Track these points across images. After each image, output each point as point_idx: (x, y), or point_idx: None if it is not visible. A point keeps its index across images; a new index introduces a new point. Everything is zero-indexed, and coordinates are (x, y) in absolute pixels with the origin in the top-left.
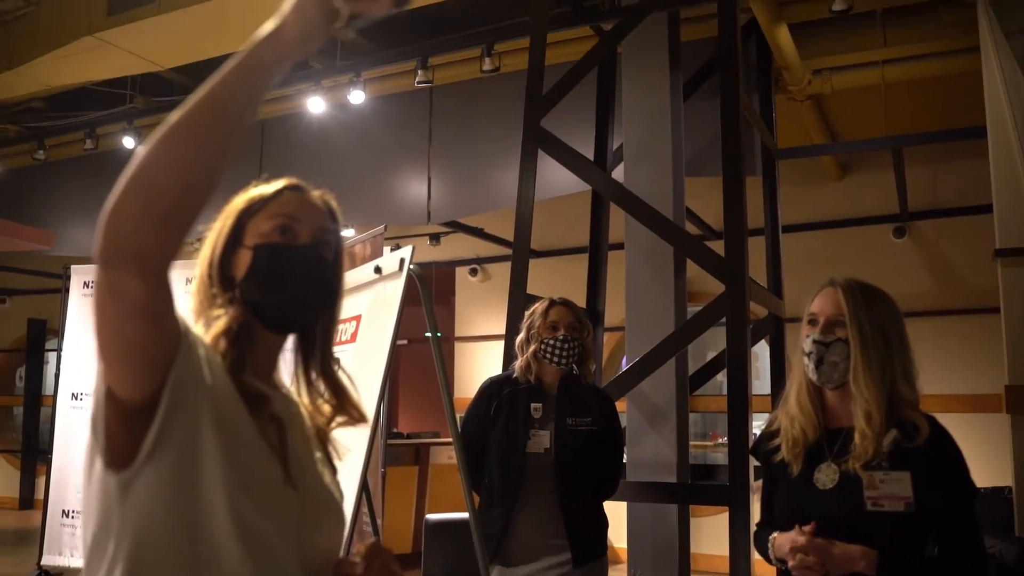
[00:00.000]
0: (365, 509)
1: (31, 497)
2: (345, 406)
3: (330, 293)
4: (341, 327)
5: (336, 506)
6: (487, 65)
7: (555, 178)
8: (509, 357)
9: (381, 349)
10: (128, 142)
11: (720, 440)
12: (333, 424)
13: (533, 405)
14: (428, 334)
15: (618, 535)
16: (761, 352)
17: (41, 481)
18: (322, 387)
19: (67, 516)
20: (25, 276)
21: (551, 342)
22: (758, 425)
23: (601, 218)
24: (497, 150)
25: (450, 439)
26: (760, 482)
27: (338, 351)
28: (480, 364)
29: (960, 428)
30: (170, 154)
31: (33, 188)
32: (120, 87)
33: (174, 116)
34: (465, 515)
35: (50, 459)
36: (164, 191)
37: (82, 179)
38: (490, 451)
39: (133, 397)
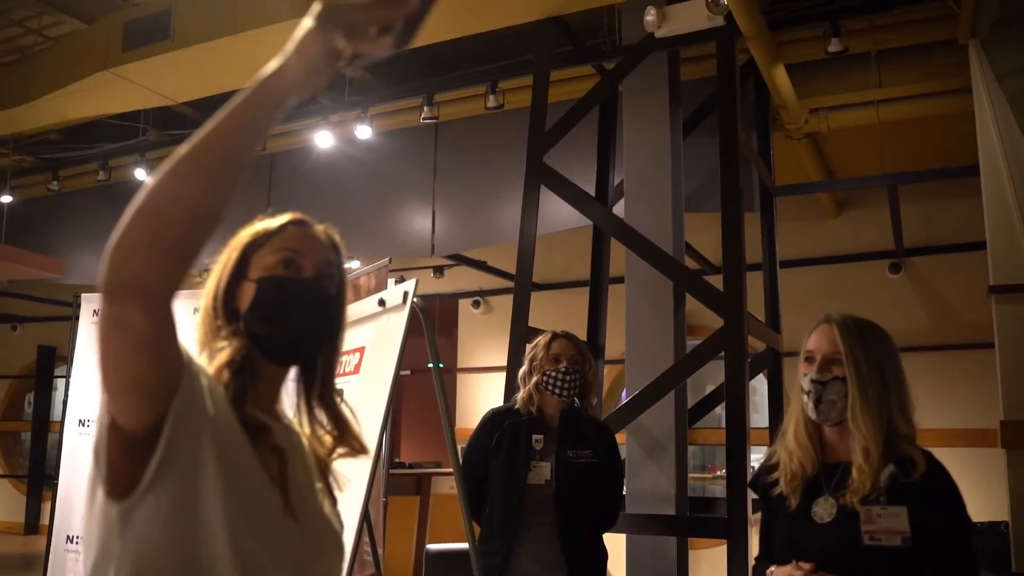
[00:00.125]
0: (366, 539)
1: (36, 522)
2: (346, 437)
3: (332, 326)
4: (345, 358)
5: (336, 536)
6: (491, 102)
7: (557, 213)
8: (511, 389)
9: (384, 381)
10: (140, 174)
11: (719, 472)
12: (334, 455)
13: (534, 437)
14: (431, 365)
15: (617, 567)
16: (759, 386)
17: (47, 506)
18: (324, 418)
19: (71, 542)
20: (36, 303)
21: (553, 374)
22: (756, 458)
23: (602, 252)
24: (500, 185)
25: (452, 469)
26: (759, 515)
27: (342, 382)
28: (482, 395)
29: (956, 462)
30: (175, 189)
31: (46, 217)
32: (133, 120)
33: (179, 152)
34: (466, 545)
35: (56, 485)
36: (169, 225)
37: (94, 209)
38: (491, 482)
39: (135, 427)
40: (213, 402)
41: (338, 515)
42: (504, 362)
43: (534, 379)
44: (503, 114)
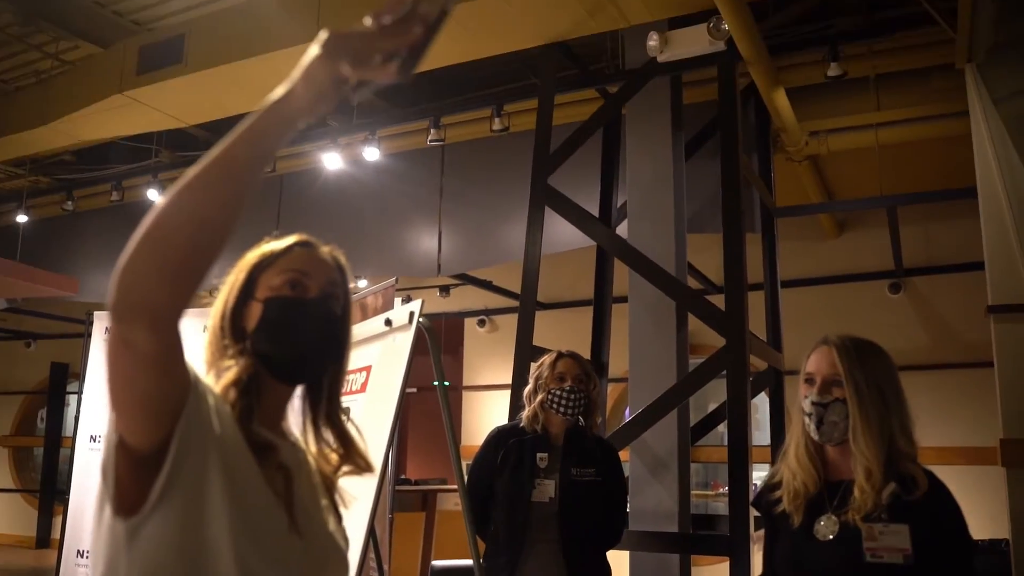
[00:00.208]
0: (372, 555)
1: (48, 536)
2: (352, 455)
3: (338, 345)
4: (352, 377)
5: (341, 553)
6: (497, 125)
7: (561, 233)
8: (516, 407)
9: (390, 399)
10: (153, 194)
11: (721, 490)
12: (340, 472)
13: (539, 455)
14: (436, 383)
15: None
16: (761, 404)
17: (58, 521)
18: (330, 436)
19: (81, 556)
20: (50, 321)
21: (558, 393)
22: (759, 475)
23: (606, 272)
24: (506, 206)
25: (457, 486)
26: (761, 532)
27: (349, 400)
28: (487, 413)
29: (956, 480)
30: (182, 212)
31: (60, 237)
32: (146, 142)
33: (187, 175)
34: (471, 562)
35: (67, 499)
36: (176, 248)
37: (107, 229)
38: (496, 499)
39: (143, 445)
40: (219, 421)
41: (343, 532)
42: (509, 380)
43: (539, 397)
44: (508, 136)
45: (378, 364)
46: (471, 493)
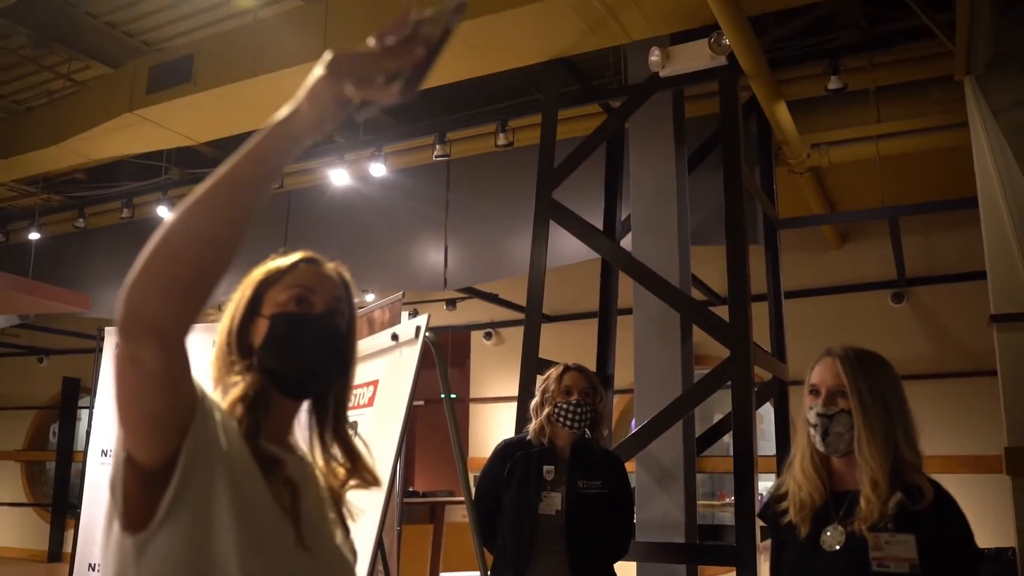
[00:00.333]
0: (380, 568)
1: (60, 550)
2: (359, 470)
3: (344, 360)
4: (359, 391)
5: (348, 567)
6: (501, 140)
7: (566, 246)
8: (522, 419)
9: (397, 413)
10: (163, 211)
11: (728, 500)
12: (347, 486)
13: (545, 467)
14: (444, 396)
15: None
16: (766, 414)
17: (70, 535)
18: (336, 451)
19: (93, 570)
20: (62, 336)
21: (564, 406)
22: (765, 485)
23: (610, 285)
24: (511, 220)
25: (464, 498)
26: (768, 542)
27: (356, 415)
28: (494, 425)
29: (962, 489)
30: (189, 231)
31: (71, 254)
32: (156, 159)
33: (194, 194)
34: (478, 574)
35: (79, 513)
36: (183, 266)
37: (118, 246)
38: (503, 512)
39: (150, 461)
40: (226, 436)
41: (351, 545)
42: (516, 392)
43: (546, 411)
44: (513, 151)
45: (385, 378)
46: (479, 506)
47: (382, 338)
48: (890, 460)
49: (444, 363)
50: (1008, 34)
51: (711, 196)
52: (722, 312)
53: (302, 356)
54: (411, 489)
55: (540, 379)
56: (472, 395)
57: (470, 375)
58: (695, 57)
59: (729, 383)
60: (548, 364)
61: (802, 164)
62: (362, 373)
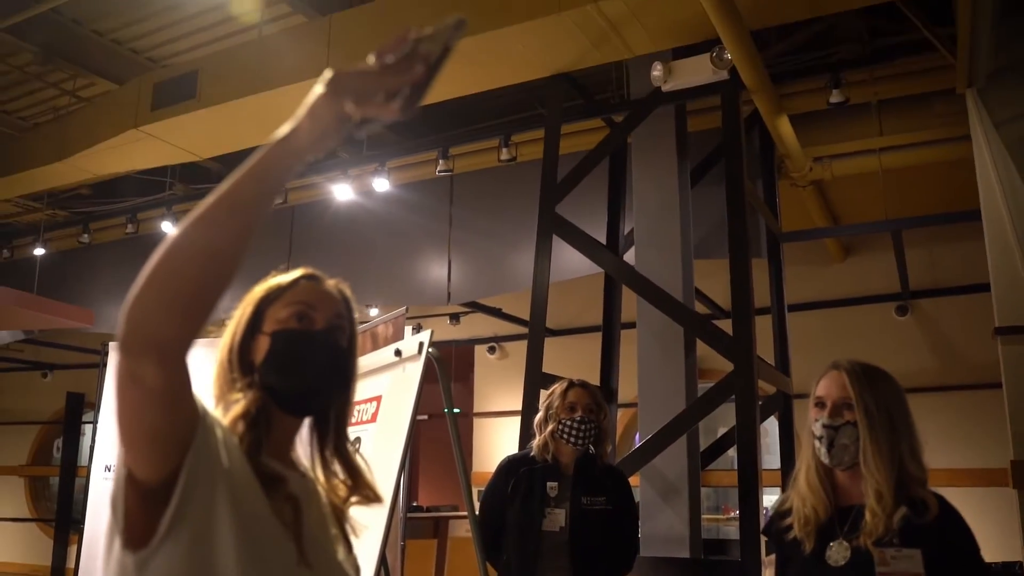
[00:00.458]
0: None
1: (63, 566)
2: (360, 487)
3: (345, 377)
4: (362, 407)
5: None
6: (504, 155)
7: (570, 261)
8: (526, 434)
9: (400, 429)
10: (167, 226)
11: (732, 514)
12: (349, 503)
13: (549, 484)
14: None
15: None
16: (771, 428)
17: (73, 550)
18: (337, 467)
19: None
20: (66, 351)
21: (568, 423)
22: (769, 499)
23: (614, 299)
24: (514, 234)
25: (467, 513)
26: (772, 557)
27: (359, 430)
28: (498, 439)
29: (968, 503)
30: (191, 247)
31: (76, 269)
32: (161, 175)
33: (195, 211)
34: None
35: (82, 529)
36: (184, 282)
37: (122, 261)
38: (507, 528)
39: (151, 479)
40: (228, 453)
41: (354, 561)
42: (520, 406)
43: (550, 427)
44: (516, 166)
45: (388, 394)
46: (483, 522)
47: (385, 354)
48: (895, 473)
49: (447, 379)
50: (1009, 47)
51: (714, 210)
52: (726, 326)
53: (303, 373)
54: (415, 504)
55: (544, 395)
56: (476, 409)
57: (474, 389)
58: (697, 72)
59: (733, 397)
60: (552, 378)
61: (805, 177)
62: (365, 389)
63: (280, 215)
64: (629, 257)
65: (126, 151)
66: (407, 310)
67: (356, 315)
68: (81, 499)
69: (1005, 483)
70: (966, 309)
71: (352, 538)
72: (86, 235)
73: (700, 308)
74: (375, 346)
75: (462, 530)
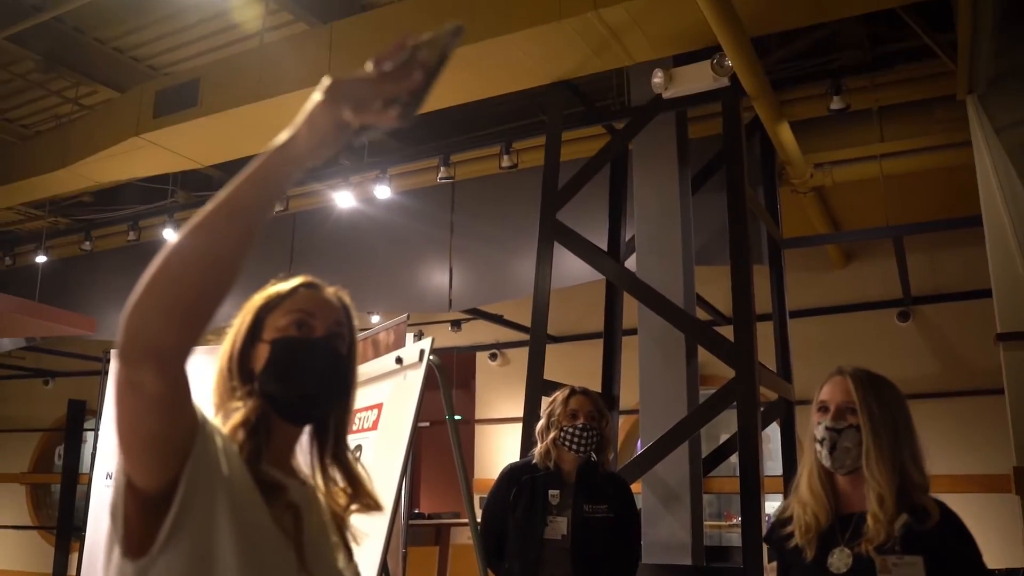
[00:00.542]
0: None
1: (64, 573)
2: (360, 495)
3: (344, 385)
4: (364, 415)
5: None
6: (505, 162)
7: (571, 267)
8: (527, 442)
9: (402, 436)
10: (169, 234)
11: (735, 520)
12: (349, 511)
13: (551, 492)
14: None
15: None
16: (773, 434)
17: (74, 557)
18: (337, 475)
19: None
20: (68, 359)
21: (570, 430)
22: (772, 506)
23: (615, 305)
24: (515, 241)
25: (468, 520)
26: (774, 564)
27: (361, 438)
28: (499, 446)
29: (971, 509)
30: (190, 255)
31: (78, 276)
32: (162, 182)
33: (194, 219)
34: None
35: (83, 536)
36: (183, 289)
37: (124, 268)
38: (509, 536)
39: (151, 487)
40: (227, 461)
41: (355, 569)
42: (521, 413)
43: (552, 434)
44: (517, 173)
45: (389, 402)
46: (486, 530)
47: (386, 361)
48: (897, 479)
49: (448, 387)
50: (1009, 53)
51: (715, 216)
52: (727, 332)
53: (303, 381)
54: (417, 511)
55: (546, 402)
56: (478, 416)
57: (475, 396)
58: (698, 79)
59: (735, 403)
60: (553, 385)
61: (806, 184)
62: (367, 396)
63: (281, 222)
64: (630, 264)
65: (128, 159)
66: (408, 317)
67: (356, 323)
68: (83, 507)
69: (1007, 489)
70: (967, 315)
71: (353, 546)
72: (88, 242)
73: (701, 314)
74: (376, 353)
75: (464, 537)
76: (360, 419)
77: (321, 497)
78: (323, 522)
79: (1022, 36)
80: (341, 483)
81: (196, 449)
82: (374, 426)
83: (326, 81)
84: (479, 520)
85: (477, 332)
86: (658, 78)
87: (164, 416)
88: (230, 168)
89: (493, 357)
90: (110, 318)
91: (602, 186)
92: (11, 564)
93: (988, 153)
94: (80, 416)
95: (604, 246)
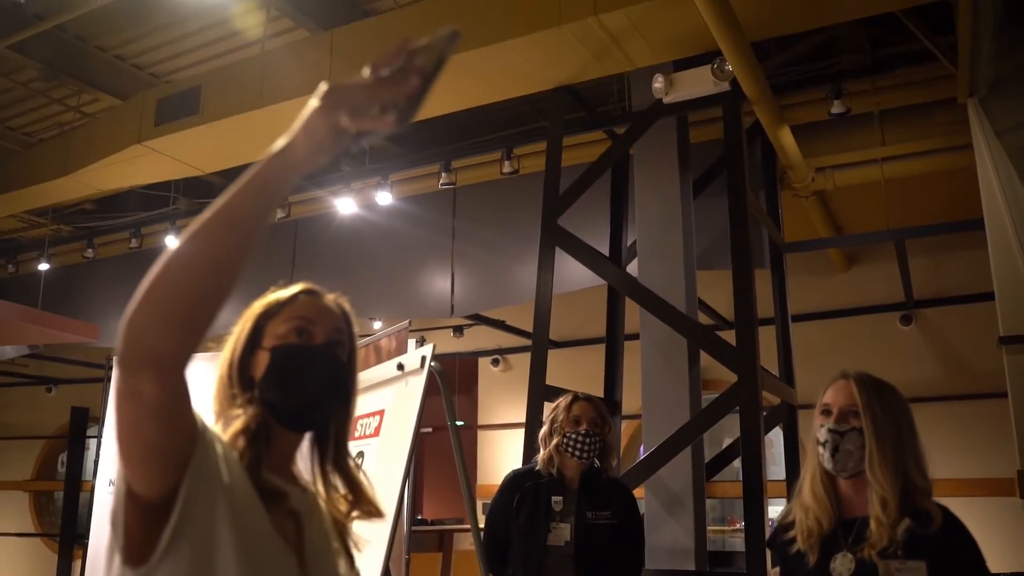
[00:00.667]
0: None
1: None
2: (361, 501)
3: (344, 391)
4: (365, 421)
5: None
6: (507, 167)
7: (572, 273)
8: (530, 448)
9: (404, 443)
10: (171, 241)
11: (738, 525)
12: (350, 518)
13: (554, 498)
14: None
15: None
16: (776, 438)
17: (77, 565)
18: (338, 482)
19: None
20: (70, 366)
21: (573, 436)
22: (775, 510)
23: (617, 310)
24: (517, 247)
25: (470, 526)
26: (776, 570)
27: (363, 445)
28: (502, 451)
29: (975, 512)
30: (188, 262)
31: (80, 284)
32: (164, 190)
33: (192, 227)
34: None
35: (87, 543)
36: (181, 296)
37: (126, 275)
38: (512, 543)
39: (151, 495)
40: (228, 469)
41: (356, 575)
42: (523, 418)
43: (554, 441)
44: (518, 179)
45: (391, 408)
46: (489, 537)
47: (388, 368)
48: (900, 482)
49: (450, 392)
50: (1010, 55)
51: (716, 221)
52: (729, 336)
53: (303, 388)
54: (420, 517)
55: (549, 408)
56: (480, 422)
57: (478, 402)
58: (698, 83)
59: (737, 408)
60: (556, 391)
61: (807, 188)
62: (368, 403)
63: (283, 229)
64: (632, 269)
65: (130, 166)
66: (410, 323)
67: (356, 329)
68: (85, 514)
69: (1010, 493)
70: (970, 318)
71: (354, 552)
72: (90, 250)
73: (703, 319)
74: (379, 359)
75: (467, 543)
76: (362, 426)
77: (322, 504)
78: (324, 529)
79: (1022, 39)
80: (342, 490)
81: (196, 457)
82: (376, 432)
83: (323, 87)
84: (481, 526)
85: (479, 337)
86: (659, 83)
87: (163, 423)
88: (232, 175)
89: (495, 362)
90: (113, 325)
91: (603, 191)
92: (14, 571)
93: (989, 156)
94: (83, 423)
95: (606, 251)
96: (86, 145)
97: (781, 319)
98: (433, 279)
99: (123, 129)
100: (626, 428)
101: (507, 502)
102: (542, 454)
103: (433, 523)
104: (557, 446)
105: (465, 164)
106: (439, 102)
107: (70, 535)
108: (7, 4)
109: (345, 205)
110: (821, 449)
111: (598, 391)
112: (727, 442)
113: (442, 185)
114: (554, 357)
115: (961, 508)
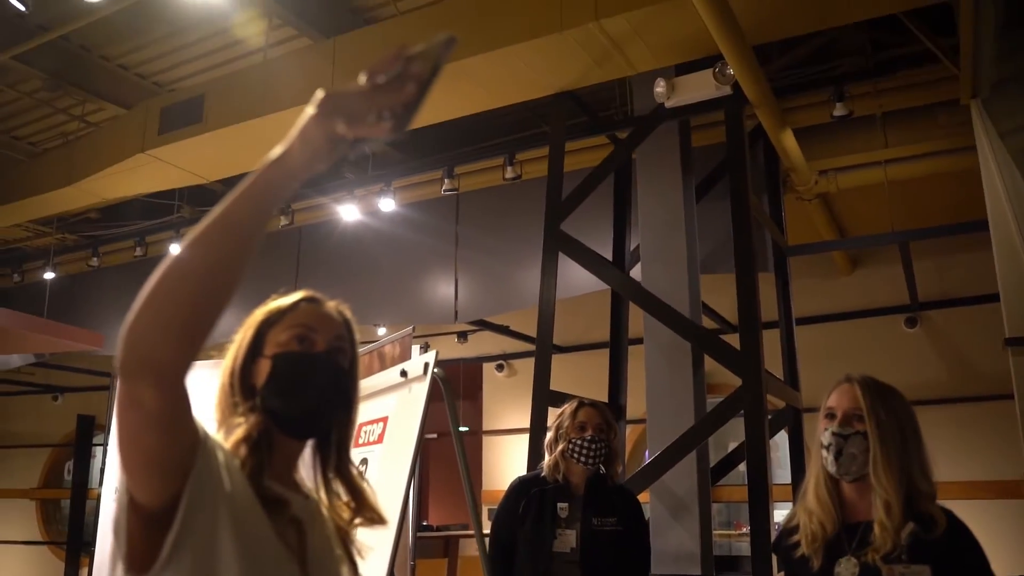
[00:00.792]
0: None
1: None
2: (363, 508)
3: (346, 399)
4: (369, 428)
5: None
6: (509, 173)
7: (576, 278)
8: (535, 453)
9: (407, 450)
10: (175, 249)
11: (744, 529)
12: (353, 525)
13: (560, 505)
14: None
15: None
16: (781, 442)
17: (84, 573)
18: (340, 489)
19: None
20: (76, 374)
21: (579, 442)
22: (781, 514)
23: (621, 315)
24: (520, 252)
25: (474, 532)
26: (783, 574)
27: (366, 451)
28: (507, 457)
29: (981, 515)
30: (187, 270)
31: (85, 292)
32: (168, 198)
33: (190, 236)
34: None
35: (93, 551)
36: (180, 304)
37: (131, 284)
38: (518, 549)
39: (152, 503)
40: (230, 477)
41: None
42: (528, 424)
43: (560, 447)
44: (521, 184)
45: (395, 415)
46: (495, 543)
47: (391, 374)
48: (904, 486)
49: (454, 398)
50: (1012, 57)
51: (719, 225)
52: (733, 340)
53: (305, 395)
54: (425, 523)
55: (554, 414)
56: (485, 427)
57: (482, 407)
58: (700, 87)
59: (742, 412)
60: (560, 396)
61: (810, 191)
62: (372, 410)
63: (287, 236)
64: (635, 273)
65: (134, 175)
66: (414, 329)
67: (357, 336)
68: (92, 521)
69: (1016, 496)
70: (975, 320)
71: (358, 559)
72: (95, 259)
73: (707, 323)
74: (382, 366)
75: (472, 549)
76: (365, 432)
77: (325, 511)
78: (327, 536)
79: None
80: (345, 497)
81: (198, 465)
82: (380, 439)
83: (319, 94)
84: (486, 532)
85: (483, 343)
86: (660, 87)
87: (164, 432)
88: (235, 183)
89: (500, 368)
90: (118, 333)
91: (606, 196)
92: None
93: (993, 157)
94: (89, 431)
95: (609, 256)
96: (90, 154)
97: (785, 322)
98: (437, 285)
99: (127, 138)
100: (631, 432)
101: (513, 508)
102: (548, 460)
103: (438, 529)
104: (563, 452)
105: (468, 170)
106: (441, 108)
107: (77, 543)
108: (11, 15)
109: (348, 212)
110: (825, 453)
111: (602, 396)
112: (732, 446)
113: (445, 191)
114: (558, 362)
115: (966, 511)
